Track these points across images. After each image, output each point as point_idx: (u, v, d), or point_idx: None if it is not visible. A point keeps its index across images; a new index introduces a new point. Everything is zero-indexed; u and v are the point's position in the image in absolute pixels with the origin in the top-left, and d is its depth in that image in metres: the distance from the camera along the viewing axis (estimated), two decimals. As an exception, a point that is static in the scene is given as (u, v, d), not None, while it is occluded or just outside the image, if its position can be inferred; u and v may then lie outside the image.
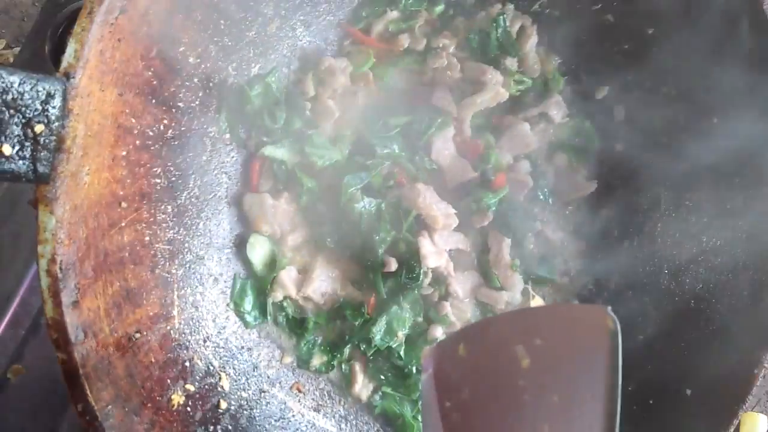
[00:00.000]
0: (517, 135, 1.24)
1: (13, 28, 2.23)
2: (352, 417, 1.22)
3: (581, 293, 1.32)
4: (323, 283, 1.18)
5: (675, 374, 1.11)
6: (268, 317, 1.16)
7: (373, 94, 1.23)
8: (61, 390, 1.08)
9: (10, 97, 0.66)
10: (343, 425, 1.21)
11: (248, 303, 1.14)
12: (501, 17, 1.25)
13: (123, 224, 0.87)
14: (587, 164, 1.31)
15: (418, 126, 1.20)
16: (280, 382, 1.15)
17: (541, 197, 1.29)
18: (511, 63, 1.26)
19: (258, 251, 1.15)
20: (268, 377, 1.14)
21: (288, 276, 1.16)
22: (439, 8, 1.28)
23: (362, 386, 1.21)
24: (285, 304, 1.18)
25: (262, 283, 1.15)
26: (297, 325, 1.19)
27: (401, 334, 1.17)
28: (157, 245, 0.94)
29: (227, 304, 1.11)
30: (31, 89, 0.67)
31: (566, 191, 1.30)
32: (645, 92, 1.25)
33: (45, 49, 1.14)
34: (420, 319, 1.21)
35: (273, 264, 1.16)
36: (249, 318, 1.14)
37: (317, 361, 1.20)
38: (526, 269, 1.27)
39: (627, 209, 1.29)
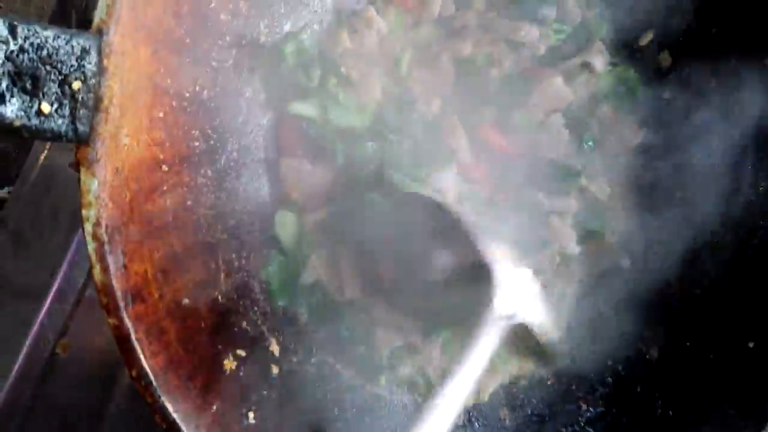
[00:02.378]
0: (549, 90, 1.18)
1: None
2: (404, 381, 1.20)
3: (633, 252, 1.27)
4: (358, 280, 1.14)
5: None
6: (299, 298, 1.12)
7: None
8: (110, 363, 1.09)
9: (45, 53, 0.64)
10: (394, 388, 1.19)
11: (278, 280, 1.10)
12: None
13: (165, 188, 0.85)
14: (634, 114, 1.25)
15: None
16: (329, 347, 1.14)
17: (587, 149, 1.24)
18: (549, 11, 1.20)
19: (287, 228, 1.12)
20: (318, 341, 1.12)
21: (322, 262, 1.12)
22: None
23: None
24: (316, 289, 1.13)
25: (293, 261, 1.12)
26: (330, 313, 1.15)
27: None
28: (199, 210, 0.92)
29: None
30: (66, 44, 0.65)
31: (613, 143, 1.24)
32: (692, 36, 1.20)
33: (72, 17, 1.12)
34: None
35: (302, 243, 1.13)
36: (279, 294, 1.10)
37: (363, 349, 1.16)
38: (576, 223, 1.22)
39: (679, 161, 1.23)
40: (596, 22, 1.24)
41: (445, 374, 0.94)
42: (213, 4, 0.90)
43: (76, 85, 0.66)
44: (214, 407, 0.87)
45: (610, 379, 1.16)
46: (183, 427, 0.80)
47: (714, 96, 1.14)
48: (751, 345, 1.03)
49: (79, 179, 0.72)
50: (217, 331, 0.92)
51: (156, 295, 0.81)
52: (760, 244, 1.07)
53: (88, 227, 0.72)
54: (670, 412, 1.07)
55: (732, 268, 1.10)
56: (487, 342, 0.90)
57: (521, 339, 0.97)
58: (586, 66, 1.23)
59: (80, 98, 0.67)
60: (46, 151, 1.20)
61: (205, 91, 0.91)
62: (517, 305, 0.96)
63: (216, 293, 0.94)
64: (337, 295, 1.13)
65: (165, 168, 0.84)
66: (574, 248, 1.20)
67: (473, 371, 0.88)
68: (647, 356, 1.14)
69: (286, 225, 1.11)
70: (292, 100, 1.09)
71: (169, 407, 0.79)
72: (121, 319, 0.75)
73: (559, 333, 1.06)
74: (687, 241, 1.15)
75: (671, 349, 1.12)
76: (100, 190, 0.73)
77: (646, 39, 1.24)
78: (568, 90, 1.19)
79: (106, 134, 0.72)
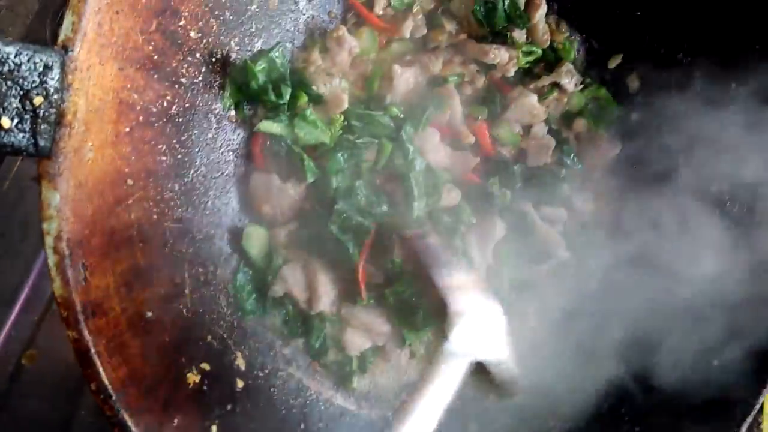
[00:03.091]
0: (524, 106, 1.22)
1: (18, 26, 2.23)
2: (372, 395, 1.21)
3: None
4: (331, 292, 1.15)
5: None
6: (267, 312, 1.12)
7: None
8: (76, 375, 1.08)
9: (6, 68, 0.64)
10: (362, 403, 1.20)
11: (247, 293, 1.10)
12: None
13: (130, 202, 0.85)
14: (608, 129, 1.28)
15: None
16: (296, 361, 1.14)
17: (568, 162, 1.26)
18: (519, 35, 1.24)
19: (255, 242, 1.11)
20: (284, 356, 1.13)
21: (292, 274, 1.12)
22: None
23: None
24: (286, 301, 1.13)
25: (262, 275, 1.12)
26: (300, 324, 1.16)
27: None
28: (165, 223, 0.93)
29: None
30: (28, 60, 0.66)
31: (590, 155, 1.27)
32: (660, 60, 1.23)
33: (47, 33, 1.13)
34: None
35: (271, 256, 1.12)
36: (248, 307, 1.10)
37: (333, 356, 1.18)
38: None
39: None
40: (565, 46, 1.27)
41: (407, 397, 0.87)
42: (182, 22, 0.91)
43: (38, 100, 0.67)
44: (176, 421, 0.88)
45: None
46: (143, 441, 0.81)
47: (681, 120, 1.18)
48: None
49: (40, 193, 0.72)
50: (181, 344, 0.92)
51: (118, 309, 0.82)
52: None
53: (49, 241, 0.73)
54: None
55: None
56: (446, 379, 0.86)
57: (478, 375, 0.92)
58: (556, 86, 1.26)
59: (41, 113, 0.67)
60: (18, 162, 1.21)
61: (174, 107, 0.92)
62: (475, 343, 0.90)
63: (181, 307, 0.95)
64: (306, 308, 1.14)
65: (130, 182, 0.85)
66: (564, 254, 1.22)
67: (434, 408, 0.84)
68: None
69: (255, 239, 1.11)
70: (261, 117, 1.10)
71: (129, 422, 0.80)
72: (80, 333, 0.76)
73: (520, 369, 1.00)
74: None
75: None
76: (61, 204, 0.73)
77: (615, 62, 1.27)
78: (541, 107, 1.23)
79: (69, 149, 0.73)
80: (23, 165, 1.20)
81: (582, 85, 1.28)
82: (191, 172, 0.99)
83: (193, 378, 0.92)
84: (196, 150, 1.00)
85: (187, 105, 0.96)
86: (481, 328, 0.93)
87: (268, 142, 1.11)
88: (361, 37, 1.17)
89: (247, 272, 1.11)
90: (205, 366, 0.95)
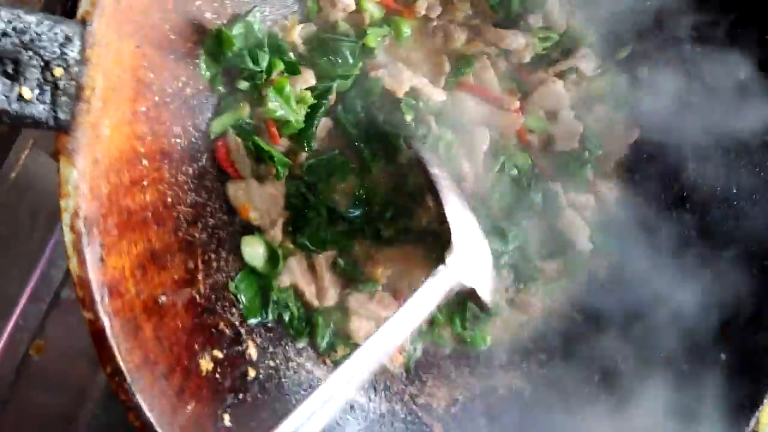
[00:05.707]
0: (549, 92, 1.22)
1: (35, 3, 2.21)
2: (381, 387, 1.19)
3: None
4: (337, 284, 1.14)
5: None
6: (270, 314, 1.09)
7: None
8: (85, 366, 1.07)
9: (27, 37, 0.63)
10: (372, 395, 1.18)
11: (248, 293, 1.06)
12: None
13: (145, 183, 0.84)
14: (627, 114, 1.27)
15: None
16: (307, 352, 1.13)
17: (590, 147, 1.26)
18: (534, 20, 1.22)
19: (255, 252, 1.07)
20: (296, 347, 1.12)
21: (298, 266, 1.11)
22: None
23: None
24: (290, 303, 1.11)
25: (266, 281, 1.09)
26: (305, 325, 1.14)
27: None
28: (179, 207, 0.92)
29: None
30: (49, 30, 0.65)
31: (610, 140, 1.27)
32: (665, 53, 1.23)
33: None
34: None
35: (276, 259, 1.08)
36: (250, 310, 1.06)
37: (342, 351, 1.16)
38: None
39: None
40: (581, 30, 1.26)
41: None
42: (198, 2, 0.90)
43: (58, 71, 0.65)
44: (189, 408, 0.86)
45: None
46: (158, 426, 0.79)
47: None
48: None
49: (58, 169, 0.71)
50: (194, 330, 0.91)
51: (133, 291, 0.80)
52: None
53: (66, 218, 0.71)
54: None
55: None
56: (430, 296, 0.92)
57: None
58: (574, 70, 1.25)
59: (62, 85, 0.66)
60: (27, 151, 1.19)
61: (188, 89, 0.91)
62: (467, 269, 0.99)
63: (194, 292, 0.93)
64: (312, 301, 1.13)
65: (145, 162, 0.84)
66: (586, 245, 1.22)
67: (410, 321, 0.88)
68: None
69: (254, 250, 1.07)
70: (215, 116, 1.03)
71: (144, 406, 0.78)
72: (96, 314, 0.74)
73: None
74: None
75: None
76: (79, 181, 0.72)
77: (624, 52, 1.27)
78: (566, 93, 1.22)
79: (87, 124, 0.72)
80: (31, 154, 1.19)
81: (600, 70, 1.27)
82: (205, 156, 0.98)
83: (206, 365, 0.91)
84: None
85: (201, 87, 0.95)
86: (474, 258, 1.03)
87: (230, 146, 1.04)
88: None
89: (249, 276, 1.07)
90: (218, 353, 0.94)
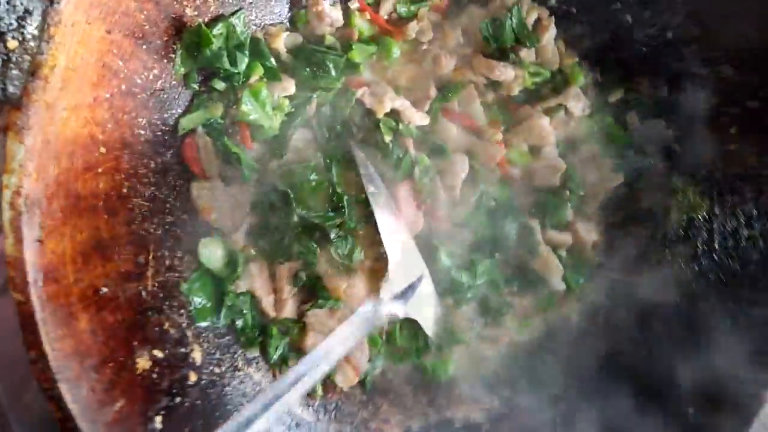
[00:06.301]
0: (535, 127, 1.20)
1: None
2: (332, 407, 1.16)
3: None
4: (296, 297, 1.12)
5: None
6: (222, 319, 1.06)
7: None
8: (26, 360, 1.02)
9: (-18, 6, 0.62)
10: (321, 415, 1.15)
11: (201, 296, 1.03)
12: (516, 7, 1.20)
13: (100, 170, 0.82)
14: (613, 158, 1.25)
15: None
16: (257, 363, 1.10)
17: (572, 186, 1.24)
18: (527, 54, 1.22)
19: (213, 255, 1.04)
20: (246, 356, 1.09)
21: (259, 273, 1.09)
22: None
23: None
24: (244, 310, 1.09)
25: (222, 284, 1.06)
26: (258, 335, 1.11)
27: None
28: (135, 199, 0.90)
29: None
30: (8, 2, 0.64)
31: (593, 182, 1.25)
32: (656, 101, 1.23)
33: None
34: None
35: (235, 263, 1.06)
36: (200, 312, 1.03)
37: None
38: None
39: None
40: (574, 71, 1.25)
41: None
42: (179, -5, 0.89)
43: (12, 44, 0.64)
44: (118, 405, 0.83)
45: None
46: (79, 419, 0.76)
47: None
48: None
49: (5, 145, 0.70)
50: (135, 327, 0.88)
51: (71, 278, 0.78)
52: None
53: (7, 195, 0.70)
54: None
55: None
56: (358, 327, 0.91)
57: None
58: (563, 108, 1.24)
59: (14, 59, 0.65)
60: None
61: (160, 81, 0.90)
62: (403, 299, 0.99)
63: (141, 288, 0.91)
64: (269, 311, 1.10)
65: (103, 150, 0.82)
66: (559, 284, 1.20)
67: (335, 352, 0.87)
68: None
69: (212, 252, 1.04)
70: (185, 112, 1.01)
71: (67, 397, 0.75)
72: (27, 296, 0.72)
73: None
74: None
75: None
76: (25, 159, 0.71)
77: (615, 97, 1.26)
78: (552, 130, 1.20)
79: (41, 103, 0.71)
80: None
81: (590, 111, 1.25)
82: (170, 152, 0.96)
83: (143, 364, 0.88)
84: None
85: (174, 83, 0.94)
86: (411, 286, 1.03)
87: (198, 145, 1.02)
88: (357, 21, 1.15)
89: (204, 279, 1.05)
90: (158, 353, 0.91)
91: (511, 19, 1.19)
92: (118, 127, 0.84)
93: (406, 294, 1.00)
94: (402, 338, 1.19)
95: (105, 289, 0.83)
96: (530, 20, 1.22)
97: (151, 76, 0.89)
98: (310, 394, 1.14)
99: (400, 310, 0.98)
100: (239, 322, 1.09)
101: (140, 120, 0.89)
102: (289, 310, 1.11)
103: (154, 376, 0.90)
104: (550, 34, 1.22)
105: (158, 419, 0.88)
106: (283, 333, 1.12)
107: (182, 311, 0.99)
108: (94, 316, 0.81)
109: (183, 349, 0.97)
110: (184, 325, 0.98)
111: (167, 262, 0.97)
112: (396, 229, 1.06)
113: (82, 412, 0.77)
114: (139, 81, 0.86)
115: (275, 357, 1.11)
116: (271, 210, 1.08)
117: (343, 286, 1.12)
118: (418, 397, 1.23)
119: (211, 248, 1.04)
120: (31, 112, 0.70)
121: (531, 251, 1.20)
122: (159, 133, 0.93)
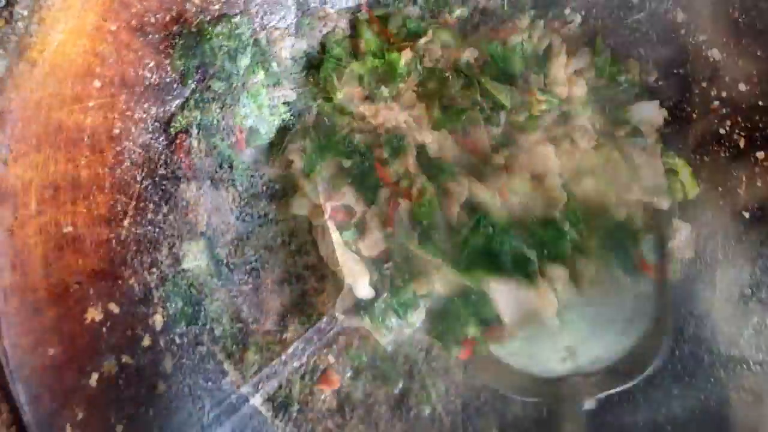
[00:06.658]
0: (539, 156, 1.15)
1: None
2: (295, 408, 1.10)
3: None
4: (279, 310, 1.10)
5: None
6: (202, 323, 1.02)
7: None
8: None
9: None
10: (282, 414, 1.09)
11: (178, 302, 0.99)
12: (528, 32, 1.17)
13: (91, 104, 0.78)
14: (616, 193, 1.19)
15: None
16: (224, 343, 1.04)
17: (573, 219, 1.17)
18: (536, 81, 1.17)
19: (195, 259, 1.00)
20: (214, 333, 1.02)
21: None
22: (463, 12, 1.19)
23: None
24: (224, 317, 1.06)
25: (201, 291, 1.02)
26: (237, 347, 1.07)
27: None
28: (126, 143, 0.85)
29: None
30: None
31: (595, 217, 1.18)
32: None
33: None
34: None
35: (217, 271, 1.04)
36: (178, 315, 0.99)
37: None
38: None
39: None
40: (582, 101, 1.20)
41: None
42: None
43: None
44: (52, 350, 0.78)
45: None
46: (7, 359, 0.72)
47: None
48: None
49: (-14, 52, 0.66)
50: (95, 274, 0.83)
51: (33, 209, 0.74)
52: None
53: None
54: None
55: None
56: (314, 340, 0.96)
57: None
58: (569, 139, 1.19)
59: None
60: None
61: (176, 26, 0.85)
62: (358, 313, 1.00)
63: (112, 235, 0.86)
64: (251, 322, 1.07)
65: (98, 84, 0.77)
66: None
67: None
68: None
69: (194, 254, 1.00)
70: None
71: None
72: (-24, 215, 0.68)
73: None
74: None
75: None
76: (4, 74, 0.66)
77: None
78: (556, 159, 1.15)
79: (36, 18, 0.66)
80: None
81: (595, 143, 1.19)
82: (175, 103, 0.91)
83: (93, 314, 0.83)
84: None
85: (194, 30, 0.88)
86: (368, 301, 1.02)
87: (192, 143, 0.97)
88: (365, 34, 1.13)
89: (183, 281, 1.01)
90: (114, 307, 0.86)
91: (522, 43, 1.16)
92: (120, 63, 0.80)
93: (361, 308, 0.99)
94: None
95: (70, 228, 0.79)
96: (542, 46, 1.19)
97: (168, 18, 0.83)
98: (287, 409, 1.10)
99: (354, 322, 1.00)
100: (220, 331, 1.05)
101: (147, 61, 0.83)
102: (271, 323, 1.09)
103: (104, 329, 0.85)
104: (560, 61, 1.18)
105: (95, 376, 0.83)
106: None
107: (154, 270, 0.93)
108: (50, 252, 0.77)
109: (144, 310, 0.91)
110: (152, 285, 0.92)
111: (149, 216, 0.91)
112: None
113: (11, 351, 0.73)
114: (152, 20, 0.81)
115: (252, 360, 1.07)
116: (260, 219, 1.08)
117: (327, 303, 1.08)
118: (392, 422, 1.16)
119: (195, 250, 0.99)
120: (20, 26, 0.66)
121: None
122: (168, 80, 0.88)
